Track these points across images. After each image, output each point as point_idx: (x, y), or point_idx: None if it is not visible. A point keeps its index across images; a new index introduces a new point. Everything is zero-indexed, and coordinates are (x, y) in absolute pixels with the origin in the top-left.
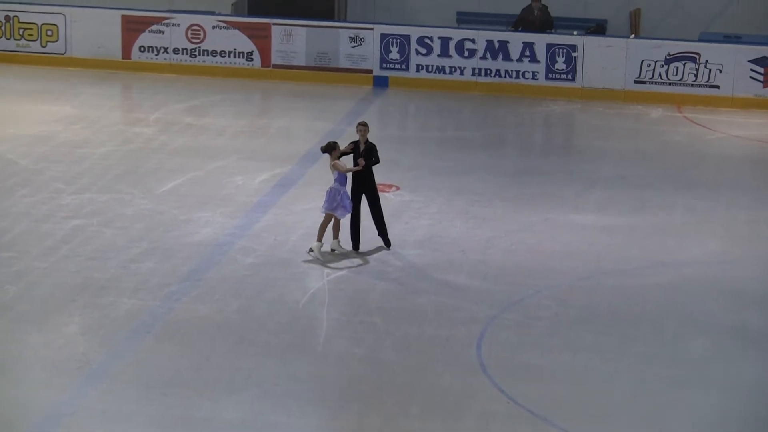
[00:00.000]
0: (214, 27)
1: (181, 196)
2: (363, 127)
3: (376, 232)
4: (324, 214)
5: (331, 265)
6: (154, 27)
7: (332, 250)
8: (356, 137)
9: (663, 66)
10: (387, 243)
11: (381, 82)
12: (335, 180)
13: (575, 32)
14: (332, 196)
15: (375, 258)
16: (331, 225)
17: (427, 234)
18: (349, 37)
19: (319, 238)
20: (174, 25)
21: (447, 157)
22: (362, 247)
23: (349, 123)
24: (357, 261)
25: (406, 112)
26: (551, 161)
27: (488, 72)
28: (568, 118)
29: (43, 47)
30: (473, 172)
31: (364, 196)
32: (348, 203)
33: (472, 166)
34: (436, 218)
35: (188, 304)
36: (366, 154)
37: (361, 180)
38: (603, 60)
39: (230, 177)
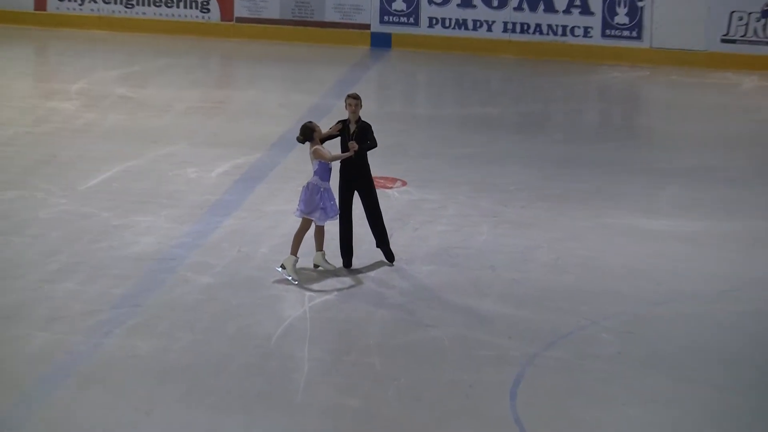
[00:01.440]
0: None
1: (113, 193)
2: (354, 100)
3: (374, 242)
4: (300, 219)
5: (314, 286)
6: None
7: (315, 267)
8: (345, 114)
9: (759, 20)
10: (389, 257)
11: (381, 41)
12: (314, 173)
13: None
14: (309, 195)
15: (373, 277)
16: (312, 234)
17: (443, 244)
18: None
19: (294, 251)
20: None
21: (470, 142)
22: (356, 263)
23: (338, 96)
24: (348, 281)
25: (415, 82)
26: (610, 148)
27: (525, 28)
28: (632, 89)
29: None
30: (505, 161)
31: (356, 193)
32: (331, 205)
33: (503, 153)
34: (455, 223)
35: (122, 338)
36: (359, 136)
37: (352, 172)
38: (678, 12)
39: (179, 168)
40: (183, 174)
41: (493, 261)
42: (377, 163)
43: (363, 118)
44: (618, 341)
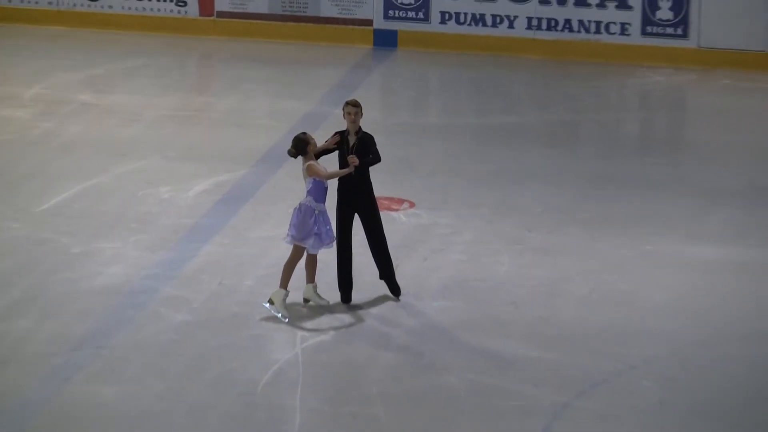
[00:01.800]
0: None
1: (74, 216)
2: (353, 108)
3: (377, 273)
4: (291, 247)
5: (307, 325)
6: None
7: (305, 302)
8: (344, 125)
9: None
10: (394, 290)
11: (385, 40)
12: (308, 192)
13: None
14: (302, 218)
15: (375, 314)
16: (303, 263)
17: (458, 276)
18: None
19: (284, 284)
20: None
21: (488, 157)
22: (355, 297)
23: (336, 103)
24: (347, 318)
25: (425, 87)
26: (651, 163)
27: (552, 24)
28: (676, 95)
29: None
30: (530, 179)
31: (357, 216)
32: (326, 230)
33: (527, 170)
34: (472, 251)
35: (84, 385)
36: (359, 149)
37: (351, 191)
38: (731, 5)
39: (151, 187)
40: (155, 193)
41: (515, 296)
42: (381, 180)
43: (364, 129)
44: (659, 389)
